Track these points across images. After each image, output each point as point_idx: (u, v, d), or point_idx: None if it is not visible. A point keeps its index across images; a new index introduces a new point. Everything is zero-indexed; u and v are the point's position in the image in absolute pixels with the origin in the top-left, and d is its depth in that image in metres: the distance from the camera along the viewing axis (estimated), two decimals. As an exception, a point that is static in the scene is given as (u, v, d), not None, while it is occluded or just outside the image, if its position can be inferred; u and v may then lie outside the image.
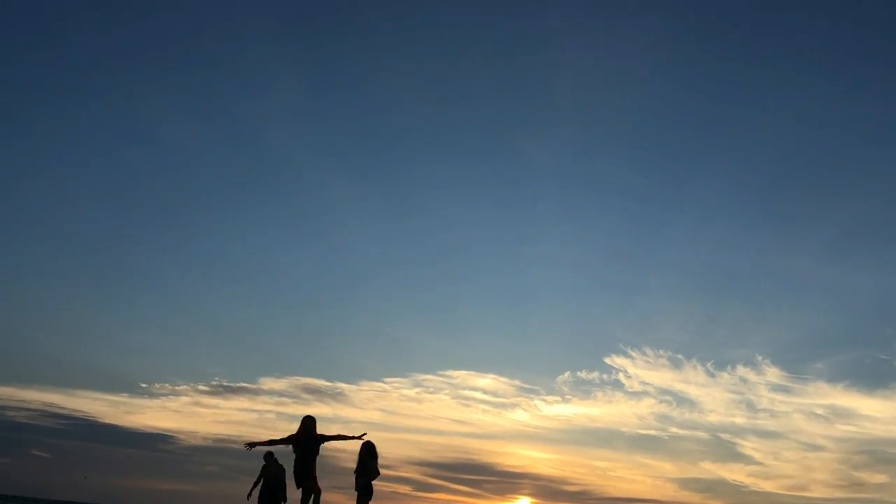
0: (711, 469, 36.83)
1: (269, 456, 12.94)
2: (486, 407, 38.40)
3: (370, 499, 11.07)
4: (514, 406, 38.61)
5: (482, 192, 44.13)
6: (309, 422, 11.36)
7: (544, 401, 38.41)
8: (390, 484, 36.11)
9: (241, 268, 43.32)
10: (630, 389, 37.96)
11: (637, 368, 38.04)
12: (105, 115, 43.26)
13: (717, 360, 38.04)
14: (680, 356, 37.98)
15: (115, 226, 42.83)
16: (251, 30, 42.13)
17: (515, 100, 43.57)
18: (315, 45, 43.87)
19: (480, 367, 39.54)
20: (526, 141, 42.57)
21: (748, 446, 36.65)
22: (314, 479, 11.26)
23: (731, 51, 42.23)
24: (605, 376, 38.35)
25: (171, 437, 36.21)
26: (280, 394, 37.87)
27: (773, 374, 36.99)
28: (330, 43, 43.71)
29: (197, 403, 37.35)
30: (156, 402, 37.02)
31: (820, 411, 36.22)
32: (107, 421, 36.37)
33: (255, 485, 12.85)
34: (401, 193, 44.41)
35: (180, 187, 44.03)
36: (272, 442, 11.55)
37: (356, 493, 11.04)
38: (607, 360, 38.40)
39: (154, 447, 36.17)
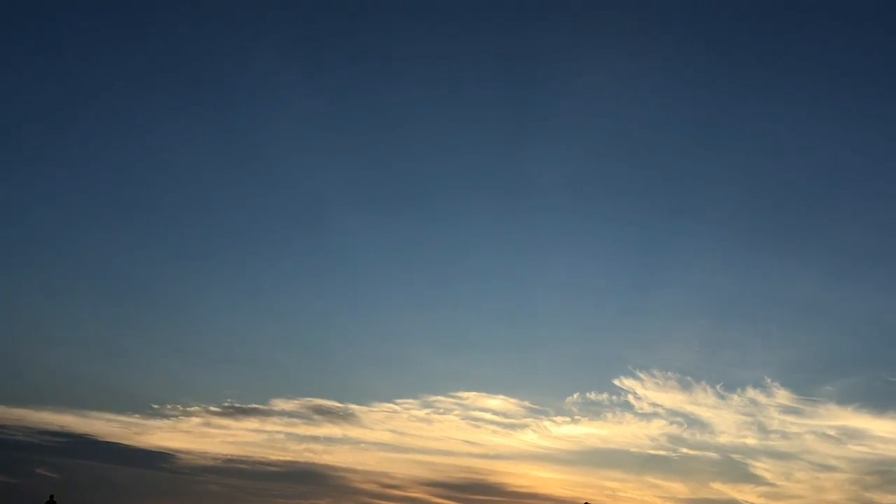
0: (722, 490, 36.66)
1: None
2: (496, 427, 38.39)
3: None
4: (523, 427, 38.58)
5: (492, 215, 44.46)
6: None
7: (553, 421, 38.41)
8: (401, 505, 36.19)
9: (255, 290, 43.53)
10: (640, 410, 37.96)
11: (646, 390, 38.08)
12: (121, 136, 43.85)
13: (727, 382, 38.06)
14: (689, 378, 38.03)
15: (129, 248, 43.13)
16: (265, 54, 42.90)
17: (523, 123, 44.08)
18: (329, 74, 44.55)
19: (490, 388, 39.55)
20: (534, 164, 43.06)
21: (760, 467, 36.54)
22: None
23: (737, 76, 42.76)
24: (614, 397, 38.38)
25: (174, 456, 36.29)
26: (291, 414, 37.92)
27: (783, 396, 37.00)
28: (343, 73, 44.38)
29: (208, 424, 37.39)
30: (166, 423, 37.08)
31: (832, 432, 36.16)
32: (115, 441, 36.47)
33: None
34: (412, 217, 44.78)
35: (194, 209, 44.49)
36: None
37: None
38: (616, 382, 38.47)
39: (158, 466, 36.24)
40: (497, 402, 38.59)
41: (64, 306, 40.87)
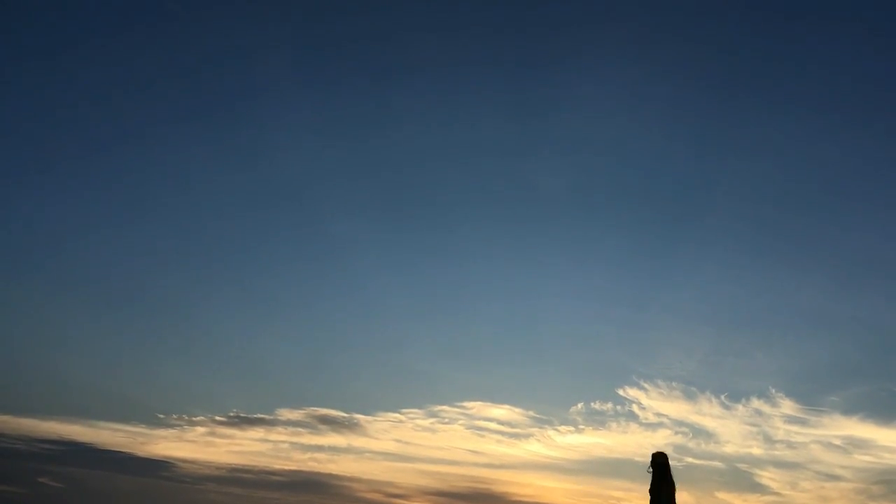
0: (728, 499, 36.65)
1: None
2: (501, 437, 38.37)
3: None
4: (528, 436, 38.57)
5: (496, 223, 44.36)
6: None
7: (558, 431, 38.39)
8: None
9: (260, 299, 43.42)
10: (644, 420, 37.95)
11: (651, 400, 38.09)
12: (127, 142, 43.78)
13: (731, 391, 38.06)
14: (693, 388, 38.04)
15: (134, 256, 43.03)
16: (269, 60, 42.96)
17: (527, 131, 44.04)
18: (333, 82, 44.59)
19: (495, 397, 39.52)
20: (538, 172, 43.02)
21: (765, 476, 36.54)
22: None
23: (742, 83, 42.75)
24: (618, 407, 38.36)
25: (177, 465, 36.21)
26: (296, 424, 37.87)
27: (788, 406, 37.03)
28: (347, 81, 44.41)
29: (213, 433, 37.34)
30: (171, 433, 36.99)
31: (837, 442, 36.17)
32: (120, 450, 36.38)
33: None
34: (417, 226, 44.69)
35: (200, 217, 44.39)
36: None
37: None
38: (620, 392, 38.45)
39: (161, 475, 36.14)
40: (502, 411, 38.59)
41: (68, 315, 40.74)
